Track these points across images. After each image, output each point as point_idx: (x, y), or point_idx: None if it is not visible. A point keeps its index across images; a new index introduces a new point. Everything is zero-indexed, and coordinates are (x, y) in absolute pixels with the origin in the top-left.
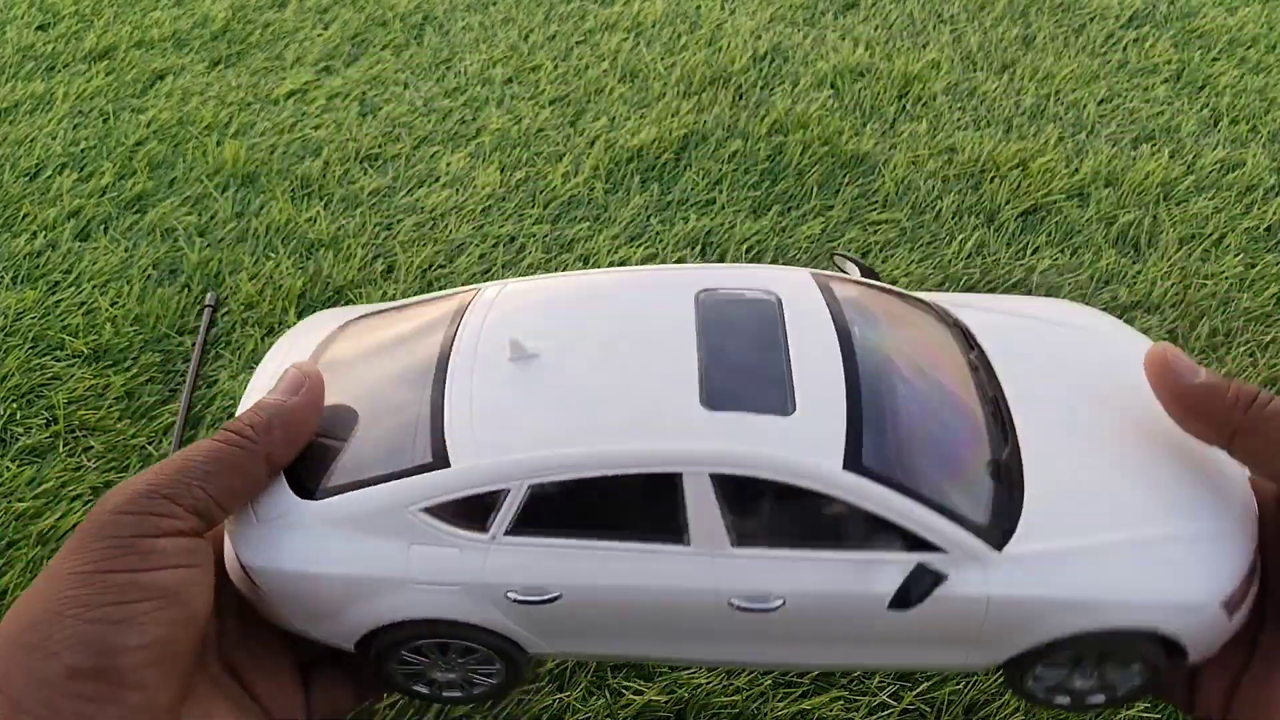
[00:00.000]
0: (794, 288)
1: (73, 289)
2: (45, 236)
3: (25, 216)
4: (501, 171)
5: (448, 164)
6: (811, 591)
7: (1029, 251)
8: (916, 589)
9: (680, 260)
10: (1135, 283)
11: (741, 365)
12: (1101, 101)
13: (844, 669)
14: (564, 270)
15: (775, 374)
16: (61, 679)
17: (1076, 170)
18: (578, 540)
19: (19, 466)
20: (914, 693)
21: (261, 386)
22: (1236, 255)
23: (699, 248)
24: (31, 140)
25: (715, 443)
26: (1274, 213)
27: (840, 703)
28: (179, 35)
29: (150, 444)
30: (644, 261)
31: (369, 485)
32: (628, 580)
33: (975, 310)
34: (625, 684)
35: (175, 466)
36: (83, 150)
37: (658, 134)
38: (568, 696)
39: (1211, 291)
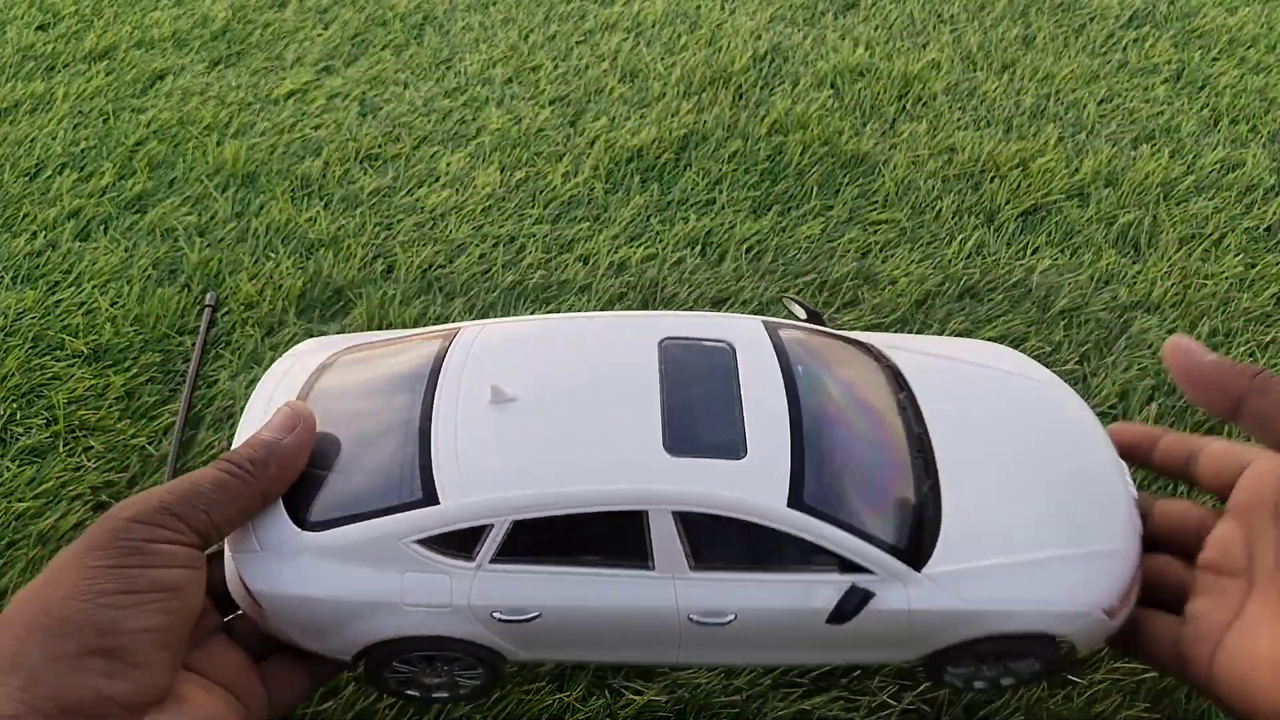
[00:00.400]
0: (746, 336)
1: (73, 289)
2: (45, 236)
3: (25, 216)
4: (501, 171)
5: (448, 164)
6: (759, 608)
7: (1029, 251)
8: (849, 606)
9: (680, 260)
10: (1135, 283)
11: (700, 412)
12: (1101, 101)
13: (785, 666)
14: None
15: (729, 420)
16: (76, 656)
17: (1076, 170)
18: (555, 566)
19: (19, 466)
20: (914, 693)
21: (255, 419)
22: (1236, 255)
23: (699, 248)
24: (31, 140)
25: (677, 485)
26: (1274, 213)
27: (840, 703)
28: (179, 35)
29: (150, 444)
30: (644, 261)
31: (363, 519)
32: (600, 601)
33: (905, 352)
34: (625, 684)
35: (185, 489)
36: (83, 150)
37: (658, 134)
38: (568, 696)
39: (1211, 291)
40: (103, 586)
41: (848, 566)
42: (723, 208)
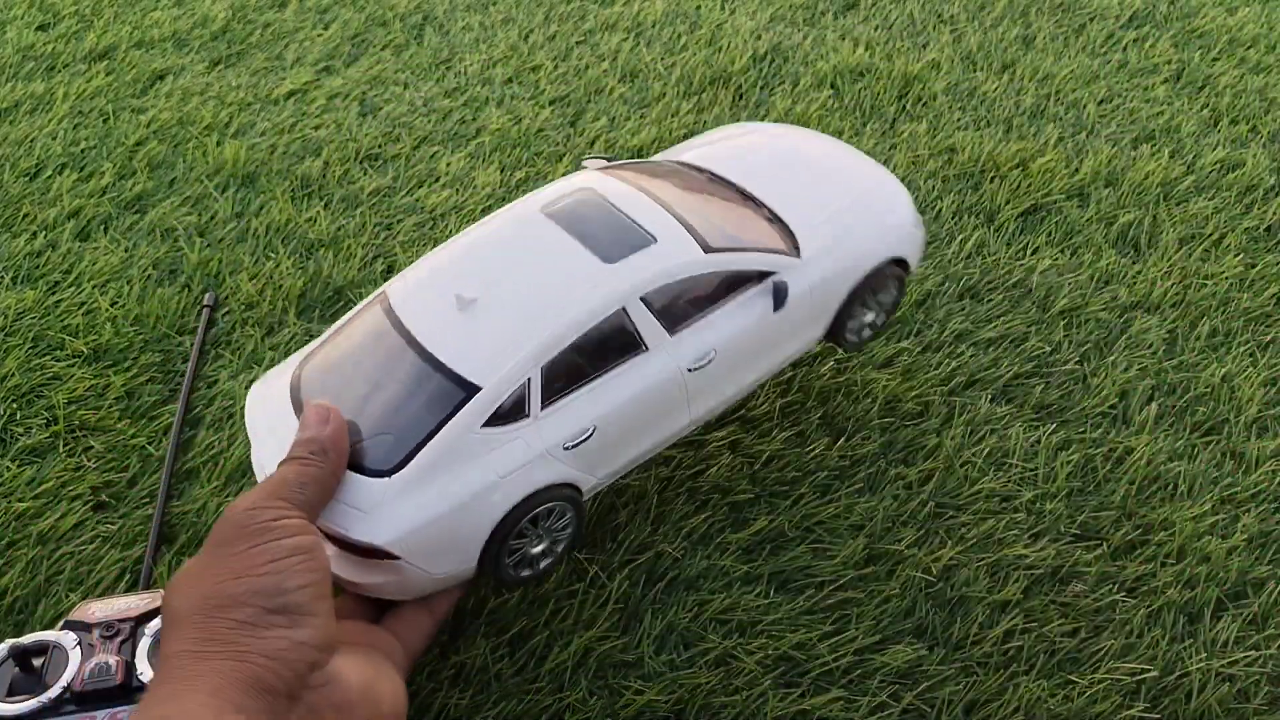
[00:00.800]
0: (596, 180)
1: (73, 289)
2: (45, 236)
3: (25, 216)
4: (502, 171)
5: (448, 164)
6: (727, 335)
7: (1029, 251)
8: (780, 295)
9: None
10: (1135, 283)
11: (606, 233)
12: (1101, 101)
13: (758, 384)
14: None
15: (629, 228)
16: (259, 617)
17: (1076, 170)
18: (585, 386)
19: (19, 466)
20: (914, 693)
21: (269, 456)
22: (1236, 255)
23: None
24: (31, 140)
25: (633, 279)
26: (1274, 213)
27: (840, 703)
28: (179, 35)
29: (151, 444)
30: None
31: (430, 437)
32: (625, 391)
33: (690, 152)
34: (625, 684)
35: (275, 482)
36: (83, 150)
37: (658, 134)
38: (568, 696)
39: (1211, 291)
40: (255, 561)
41: (762, 276)
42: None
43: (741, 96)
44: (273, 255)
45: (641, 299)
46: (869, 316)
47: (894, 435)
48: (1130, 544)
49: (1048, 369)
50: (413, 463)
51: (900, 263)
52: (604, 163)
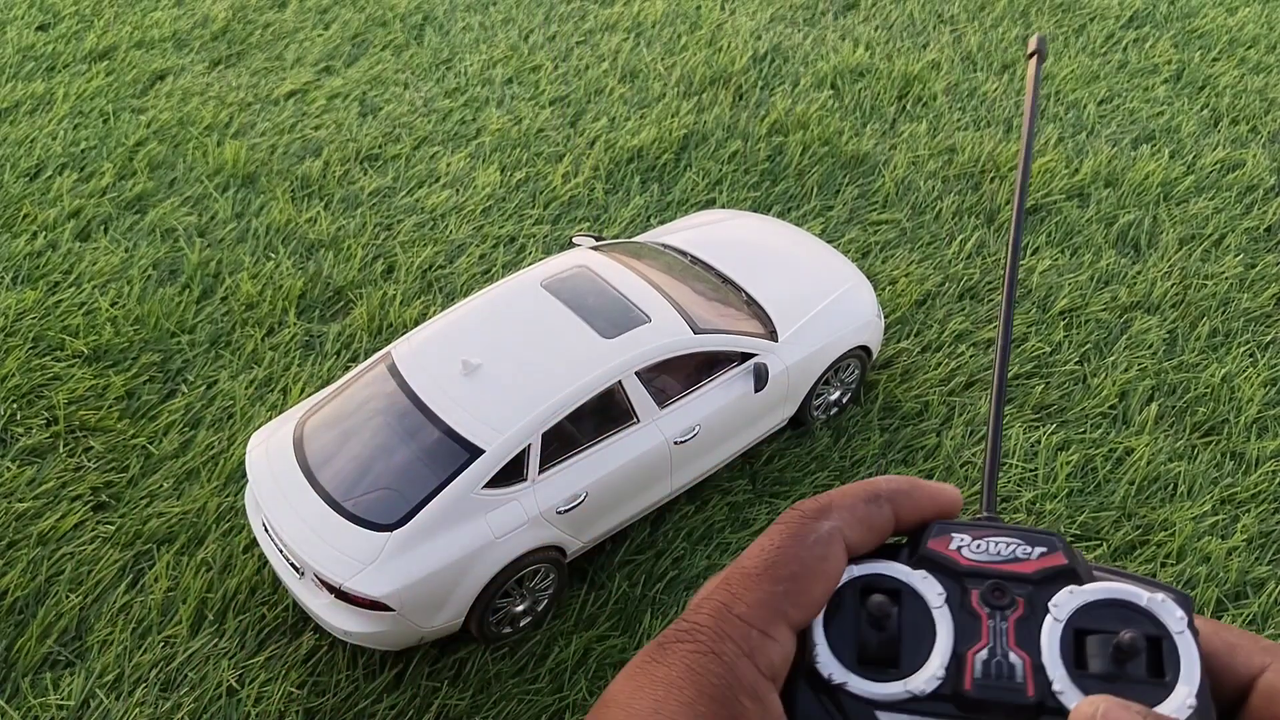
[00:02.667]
0: (590, 259)
1: (73, 289)
2: (45, 236)
3: (25, 216)
4: (502, 172)
5: (448, 164)
6: (710, 411)
7: (1029, 251)
8: (760, 377)
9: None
10: (1135, 283)
11: (603, 310)
12: (1101, 101)
13: (732, 458)
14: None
15: (624, 306)
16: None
17: (1077, 170)
18: (580, 453)
19: (19, 466)
20: None
21: (272, 506)
22: (1236, 255)
23: None
24: (31, 140)
25: (628, 354)
26: (1274, 213)
27: None
28: (179, 35)
29: (151, 444)
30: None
31: (433, 496)
32: (617, 460)
33: (672, 236)
34: None
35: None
36: (83, 150)
37: (658, 134)
38: (568, 696)
39: (1211, 291)
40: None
41: (744, 358)
42: (723, 208)
43: (741, 96)
44: (273, 255)
45: (636, 374)
46: (834, 395)
47: (894, 435)
48: (1130, 544)
49: (1048, 369)
50: (415, 519)
51: (864, 349)
52: (593, 241)
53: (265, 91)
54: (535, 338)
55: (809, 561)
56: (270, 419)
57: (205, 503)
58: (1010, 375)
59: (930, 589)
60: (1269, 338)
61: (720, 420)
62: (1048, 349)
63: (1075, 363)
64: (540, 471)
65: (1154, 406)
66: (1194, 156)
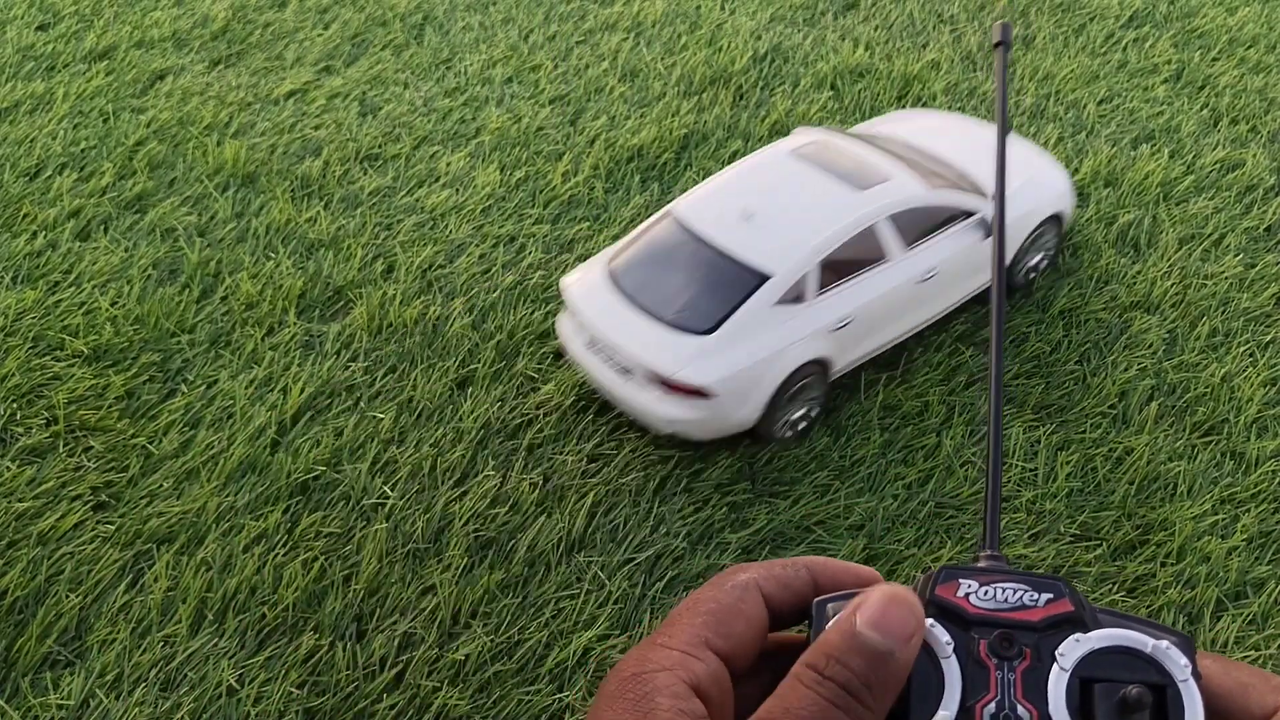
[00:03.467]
0: (825, 134)
1: (73, 289)
2: (45, 236)
3: (25, 216)
4: (501, 171)
5: (448, 164)
6: (945, 256)
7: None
8: (984, 227)
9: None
10: (1135, 283)
11: (848, 170)
12: (1101, 101)
13: (955, 306)
14: (566, 268)
15: (868, 167)
16: None
17: (1076, 170)
18: (846, 283)
19: (19, 466)
20: None
21: (604, 324)
22: (1236, 255)
23: None
24: (31, 140)
25: (883, 201)
26: (1274, 213)
27: None
28: (179, 35)
29: (151, 443)
30: None
31: (735, 309)
32: (874, 291)
33: (880, 127)
34: None
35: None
36: (83, 150)
37: (658, 133)
38: (568, 696)
39: (1211, 291)
40: None
41: (968, 215)
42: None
43: (742, 96)
44: (273, 255)
45: (889, 216)
46: (1036, 259)
47: (894, 435)
48: (1130, 544)
49: (1048, 369)
50: (724, 326)
51: (1058, 217)
52: (817, 128)
53: (265, 91)
54: (796, 192)
55: (725, 600)
56: (270, 417)
57: (205, 503)
58: (1010, 375)
59: (938, 638)
60: (1269, 337)
61: (952, 266)
62: (1048, 349)
63: (1075, 363)
64: (817, 296)
65: (1154, 406)
66: (1194, 156)
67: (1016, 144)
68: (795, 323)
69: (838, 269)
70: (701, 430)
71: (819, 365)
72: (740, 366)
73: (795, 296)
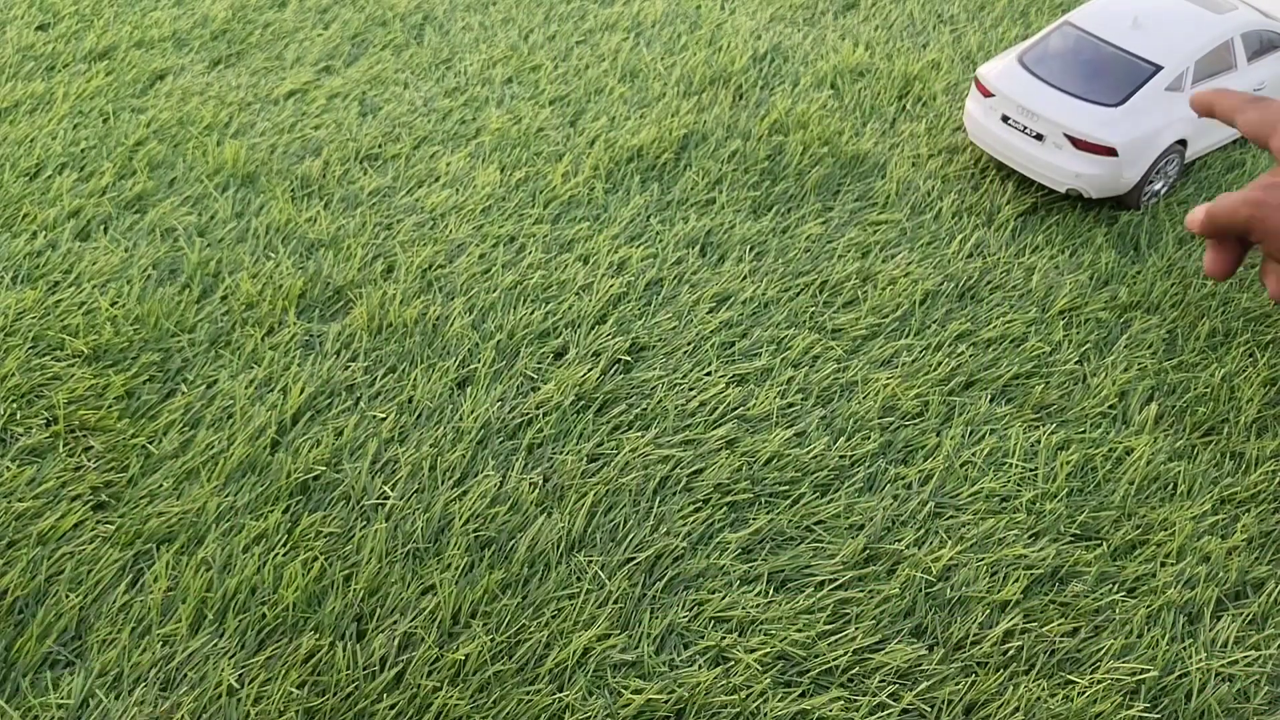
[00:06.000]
0: None
1: (73, 289)
2: (45, 236)
3: (25, 216)
4: (501, 171)
5: (448, 164)
6: (1271, 73)
7: (1029, 251)
8: None
9: (680, 260)
10: (1135, 283)
11: (1204, 2)
12: None
13: None
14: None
15: (1217, 2)
16: None
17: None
18: (1211, 79)
19: (19, 467)
20: (914, 693)
21: (1028, 98)
22: None
23: (699, 247)
24: (31, 140)
25: (1235, 22)
26: None
27: (840, 703)
28: (179, 35)
29: (151, 443)
30: (644, 260)
31: (1136, 90)
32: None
33: None
34: (624, 684)
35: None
36: (83, 150)
37: (658, 134)
38: (568, 696)
39: (1211, 291)
40: None
41: None
42: (722, 208)
43: (742, 96)
44: (273, 255)
45: (1240, 36)
46: None
47: (894, 435)
48: (1130, 544)
49: (1047, 369)
50: (1129, 101)
51: None
52: None
53: (265, 91)
54: (1169, 13)
55: None
56: (270, 417)
57: (205, 503)
58: (1010, 375)
59: None
60: (1269, 337)
61: (1274, 82)
62: (1047, 349)
63: (1075, 362)
64: (1190, 87)
65: (1154, 406)
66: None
67: None
68: (1176, 106)
69: (1204, 69)
70: (1097, 186)
71: (1182, 145)
72: (1140, 132)
73: (1176, 86)
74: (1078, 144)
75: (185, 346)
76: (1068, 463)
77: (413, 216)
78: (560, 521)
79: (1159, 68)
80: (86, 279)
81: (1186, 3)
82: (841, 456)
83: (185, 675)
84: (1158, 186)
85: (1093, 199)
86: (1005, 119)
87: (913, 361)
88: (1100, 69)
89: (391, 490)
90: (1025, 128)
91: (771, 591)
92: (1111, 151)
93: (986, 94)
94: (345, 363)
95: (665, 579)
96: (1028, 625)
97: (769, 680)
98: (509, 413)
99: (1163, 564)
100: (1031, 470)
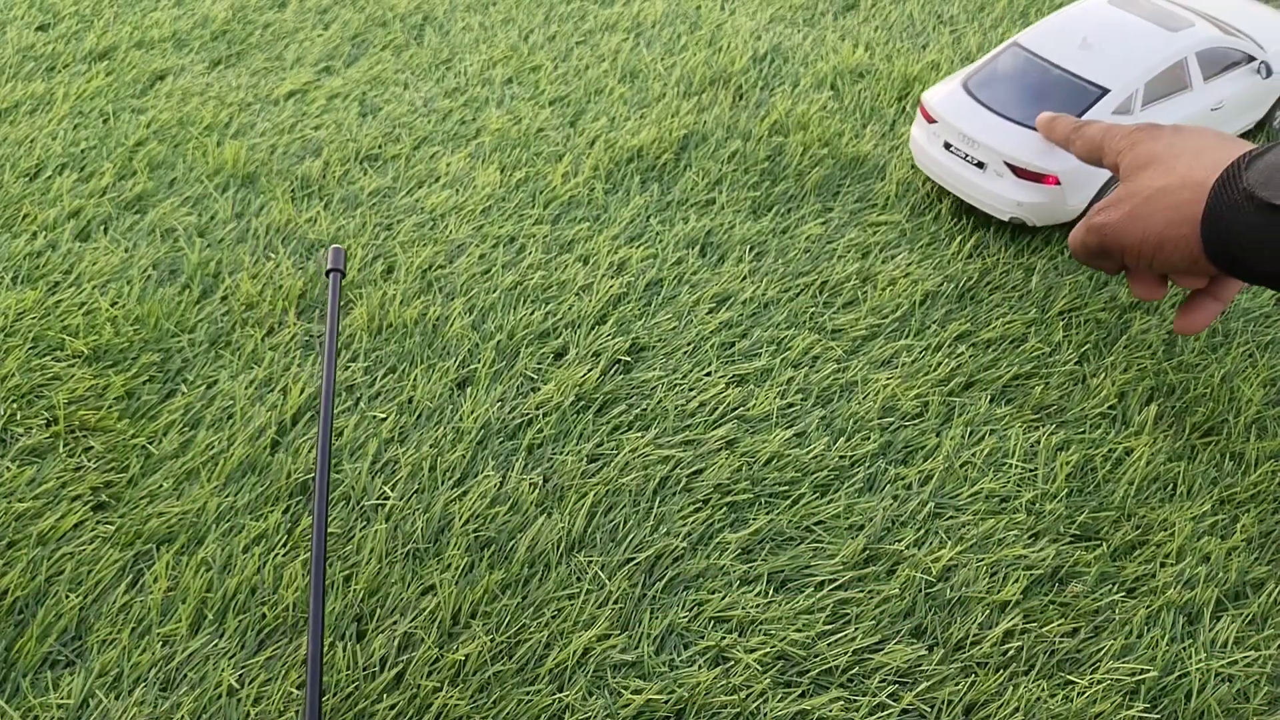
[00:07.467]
0: None
1: (73, 289)
2: (45, 236)
3: (25, 216)
4: (501, 172)
5: (448, 164)
6: (1231, 92)
7: (1028, 252)
8: (1268, 69)
9: (680, 260)
10: None
11: (1158, 17)
12: None
13: (1236, 134)
14: (565, 263)
15: (1174, 15)
16: None
17: None
18: (1162, 102)
19: (19, 467)
20: (913, 693)
21: (968, 125)
22: None
23: (699, 248)
24: (31, 140)
25: (1189, 40)
26: None
27: (840, 703)
28: (179, 35)
29: (151, 444)
30: (644, 260)
31: (1081, 115)
32: (1180, 112)
33: None
34: (624, 684)
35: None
36: (83, 150)
37: (658, 134)
38: (568, 696)
39: None
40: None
41: (1249, 60)
42: (722, 208)
43: (742, 96)
44: (273, 255)
45: (1195, 55)
46: None
47: (894, 435)
48: (1130, 544)
49: (1047, 369)
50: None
51: None
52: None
53: (265, 91)
54: (1120, 31)
55: None
56: (270, 417)
57: (205, 503)
58: (1010, 375)
59: None
60: (1268, 338)
61: (1235, 100)
62: (1047, 349)
63: (1074, 363)
64: (1140, 110)
65: (1153, 407)
66: None
67: (1266, 9)
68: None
69: (1155, 91)
70: (1040, 215)
71: None
72: (1080, 161)
73: (1124, 110)
74: (1018, 172)
75: (185, 347)
76: (1067, 463)
77: (413, 217)
78: (560, 522)
79: (1105, 90)
80: (86, 279)
81: (1141, 20)
82: (841, 457)
83: (185, 675)
84: None
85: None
86: (947, 146)
87: (912, 362)
88: (1045, 93)
89: (391, 490)
90: (966, 155)
91: (771, 592)
92: (1053, 179)
93: (930, 120)
94: (345, 363)
95: (665, 579)
96: (1028, 625)
97: (769, 680)
98: (509, 413)
99: (1162, 564)
100: (1031, 471)
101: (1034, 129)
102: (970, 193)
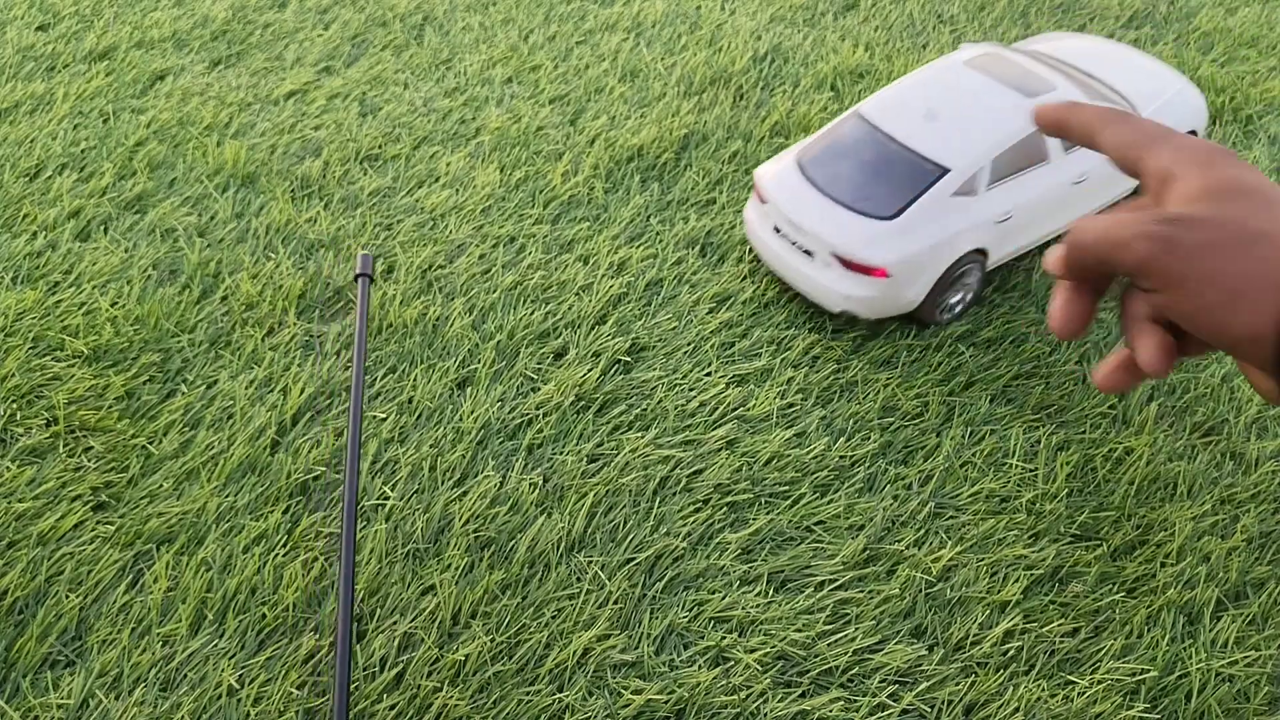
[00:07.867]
0: (993, 49)
1: (73, 289)
2: (45, 236)
3: (25, 216)
4: (501, 171)
5: (448, 164)
6: (1097, 162)
7: (1028, 252)
8: None
9: (680, 260)
10: None
11: (1016, 79)
12: None
13: (1102, 208)
14: (565, 263)
15: (1035, 78)
16: None
17: None
18: (1011, 179)
19: (19, 467)
20: (914, 693)
21: (792, 209)
22: None
23: (699, 248)
24: (31, 140)
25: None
26: None
27: (840, 703)
28: (179, 36)
29: (151, 444)
30: (644, 260)
31: (916, 199)
32: (1034, 190)
33: (1035, 46)
34: (624, 684)
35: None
36: (83, 150)
37: (658, 134)
38: (568, 696)
39: None
40: None
41: None
42: (723, 208)
43: (742, 96)
44: (273, 255)
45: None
46: None
47: (894, 435)
48: (1130, 544)
49: (1047, 369)
50: (905, 213)
51: (1194, 133)
52: (982, 43)
53: (265, 91)
54: (972, 98)
55: None
56: (270, 417)
57: (205, 503)
58: (1010, 375)
59: None
60: None
61: (1100, 172)
62: (1047, 349)
63: (1075, 363)
64: (986, 189)
65: (1154, 406)
66: None
67: (1155, 62)
68: (966, 213)
69: (1005, 167)
70: (871, 308)
71: (980, 254)
72: (916, 249)
73: (968, 190)
74: (846, 264)
75: (185, 347)
76: (1068, 463)
77: (413, 217)
78: (560, 522)
79: (945, 170)
80: (86, 279)
81: (996, 84)
82: (841, 457)
83: (185, 675)
84: (955, 300)
85: (872, 320)
86: (777, 230)
87: (913, 361)
88: (882, 171)
89: (391, 491)
90: (795, 242)
91: (771, 592)
92: (882, 272)
93: (763, 199)
94: (345, 363)
95: (665, 579)
96: (1028, 625)
97: (769, 680)
98: (509, 413)
99: (1163, 564)
100: (1031, 470)
101: (865, 214)
102: (799, 282)
